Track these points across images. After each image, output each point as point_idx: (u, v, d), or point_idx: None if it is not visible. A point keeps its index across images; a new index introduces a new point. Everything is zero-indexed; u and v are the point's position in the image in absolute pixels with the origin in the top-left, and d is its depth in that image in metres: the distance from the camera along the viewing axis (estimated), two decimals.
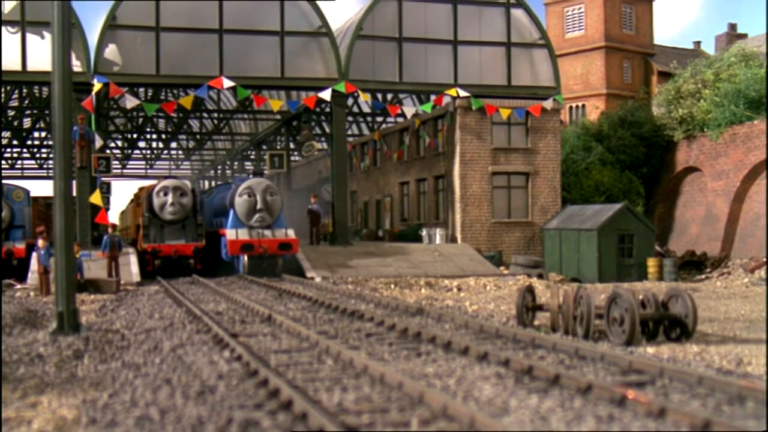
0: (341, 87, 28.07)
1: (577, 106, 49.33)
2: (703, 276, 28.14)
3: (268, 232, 24.90)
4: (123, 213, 52.95)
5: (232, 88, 27.65)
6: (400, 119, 36.07)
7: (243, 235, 24.71)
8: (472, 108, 29.59)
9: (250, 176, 27.37)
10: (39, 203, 32.19)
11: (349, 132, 39.57)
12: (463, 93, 29.40)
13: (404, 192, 36.17)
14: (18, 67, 25.76)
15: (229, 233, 24.88)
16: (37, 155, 48.99)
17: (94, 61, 26.26)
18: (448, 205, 30.83)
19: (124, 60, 26.99)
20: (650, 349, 10.90)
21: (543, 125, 30.57)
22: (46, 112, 34.33)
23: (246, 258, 24.79)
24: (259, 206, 25.03)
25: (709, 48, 56.18)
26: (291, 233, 25.03)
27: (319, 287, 20.78)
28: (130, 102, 27.80)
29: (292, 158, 43.14)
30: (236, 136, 47.37)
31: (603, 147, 35.79)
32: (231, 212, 25.50)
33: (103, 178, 28.49)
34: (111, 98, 29.38)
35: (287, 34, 27.87)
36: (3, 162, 47.45)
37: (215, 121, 45.06)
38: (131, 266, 24.37)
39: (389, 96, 34.60)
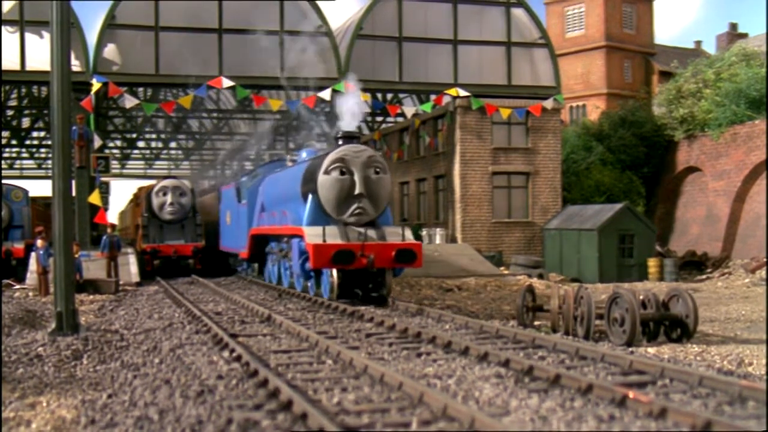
0: (341, 87, 28.05)
1: (577, 106, 49.32)
2: (703, 276, 28.12)
3: (372, 233, 15.70)
4: (122, 213, 52.99)
5: (232, 88, 27.62)
6: (400, 119, 36.04)
7: (334, 236, 15.43)
8: (472, 108, 29.57)
9: (339, 142, 16.30)
10: (38, 203, 32.19)
11: None
12: (463, 93, 29.38)
13: (404, 192, 36.16)
14: (17, 66, 25.73)
15: (310, 233, 15.49)
16: (36, 155, 48.98)
17: (93, 60, 26.23)
18: (448, 205, 30.81)
19: (124, 59, 26.96)
20: (651, 350, 10.87)
21: (543, 125, 30.55)
22: (45, 111, 34.31)
23: (336, 274, 15.38)
24: (358, 190, 15.65)
25: (709, 47, 56.26)
26: (409, 235, 16.02)
27: None
28: (129, 102, 27.76)
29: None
30: (236, 136, 47.41)
31: (603, 147, 35.78)
32: (309, 200, 16.23)
33: (102, 178, 28.46)
34: (110, 98, 29.35)
35: (287, 33, 27.86)
36: (2, 162, 47.45)
37: (215, 121, 45.06)
38: (130, 266, 24.33)
39: (389, 96, 34.58)
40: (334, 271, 15.26)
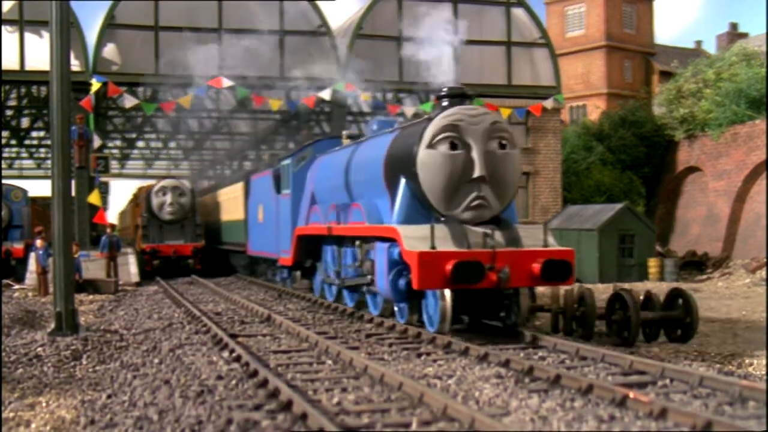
0: (341, 86, 28.04)
1: (577, 106, 49.30)
2: (704, 276, 28.10)
3: (500, 235, 10.91)
4: (122, 213, 52.99)
5: (231, 88, 27.61)
6: (400, 119, 35.97)
7: (445, 240, 10.62)
8: None
9: (445, 102, 11.77)
10: (37, 203, 32.17)
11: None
12: None
13: None
14: (16, 66, 25.71)
15: (409, 235, 10.70)
16: (36, 155, 48.94)
17: (92, 60, 26.22)
18: None
19: (123, 59, 26.95)
20: (651, 350, 10.86)
21: (543, 125, 30.53)
22: (45, 111, 34.29)
23: (449, 296, 10.45)
24: (477, 172, 11.02)
25: (710, 47, 56.24)
26: (552, 241, 11.26)
27: None
28: (129, 101, 27.75)
29: None
30: (236, 136, 47.39)
31: (604, 147, 35.76)
32: (401, 186, 11.61)
33: (101, 178, 28.46)
34: (110, 98, 29.34)
35: (287, 33, 27.84)
36: (1, 162, 47.41)
37: (214, 121, 45.00)
38: (130, 266, 24.33)
39: (389, 95, 34.55)
40: (447, 293, 10.35)
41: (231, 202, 27.40)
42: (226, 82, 27.11)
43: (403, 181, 11.58)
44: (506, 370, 8.54)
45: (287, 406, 6.88)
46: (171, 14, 26.84)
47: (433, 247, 10.33)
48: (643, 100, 41.26)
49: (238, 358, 9.48)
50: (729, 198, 31.25)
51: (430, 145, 11.11)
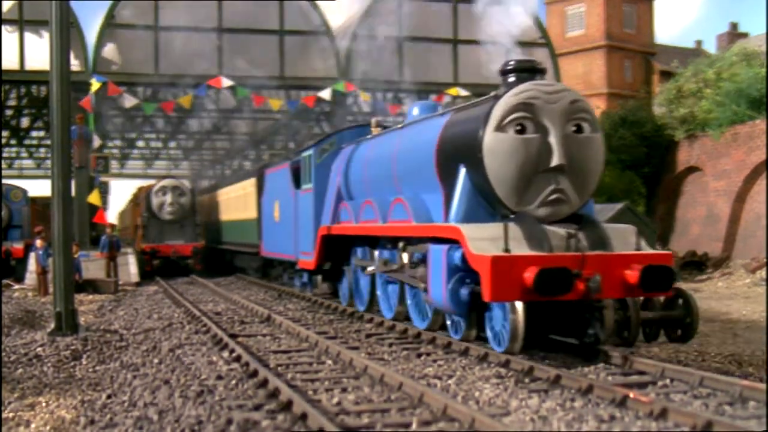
0: (341, 86, 28.03)
1: None
2: (704, 276, 28.10)
3: (583, 236, 9.22)
4: (122, 213, 52.98)
5: (231, 88, 27.60)
6: (400, 119, 35.97)
7: (519, 242, 8.93)
8: None
9: (510, 79, 10.04)
10: (37, 203, 32.17)
11: None
12: (463, 92, 29.34)
13: None
14: (16, 66, 25.70)
15: (475, 235, 9.04)
16: (36, 155, 48.95)
17: (92, 60, 26.20)
18: None
19: (123, 59, 26.94)
20: (651, 350, 10.85)
21: None
22: (45, 111, 34.28)
23: (521, 309, 8.54)
24: (556, 160, 9.35)
25: (710, 47, 56.25)
26: (644, 243, 9.66)
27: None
28: (129, 101, 27.74)
29: None
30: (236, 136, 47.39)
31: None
32: (461, 177, 10.00)
33: (101, 178, 28.45)
34: (109, 97, 29.34)
35: (287, 33, 27.83)
36: (1, 161, 47.42)
37: (215, 121, 45.00)
38: (130, 266, 24.33)
39: (389, 95, 34.55)
40: (519, 305, 8.50)
41: (240, 200, 26.14)
42: (226, 82, 27.10)
43: (462, 171, 9.88)
44: (506, 370, 8.54)
45: (287, 406, 6.88)
46: (171, 14, 26.82)
47: (507, 251, 8.58)
48: (643, 99, 41.25)
49: (238, 358, 9.48)
50: (729, 198, 31.24)
51: (499, 128, 9.36)
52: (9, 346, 10.80)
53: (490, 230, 9.02)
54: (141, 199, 29.87)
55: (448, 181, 10.26)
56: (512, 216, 9.37)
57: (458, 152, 10.06)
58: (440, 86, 29.63)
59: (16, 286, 21.89)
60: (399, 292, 12.12)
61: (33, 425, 6.79)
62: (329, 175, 15.44)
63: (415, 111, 12.98)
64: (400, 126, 13.00)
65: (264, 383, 7.89)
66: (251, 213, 23.69)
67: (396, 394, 7.40)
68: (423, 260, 10.45)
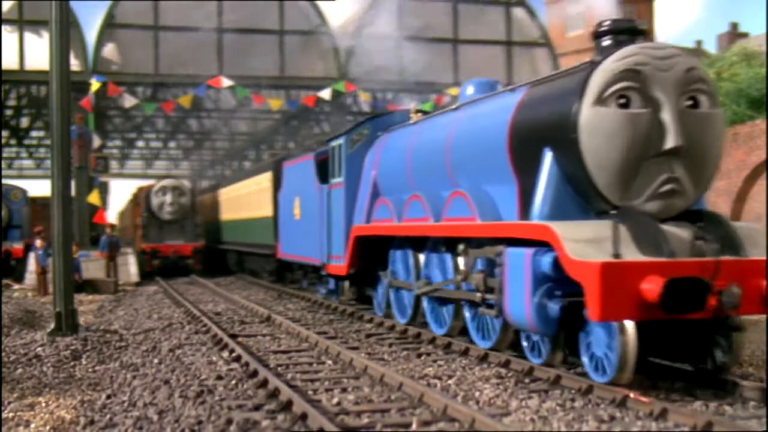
0: (341, 86, 28.03)
1: None
2: None
3: (711, 238, 7.34)
4: (122, 213, 52.98)
5: (231, 87, 27.60)
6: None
7: (629, 244, 7.06)
8: None
9: (604, 42, 8.09)
10: (37, 203, 32.18)
11: None
12: None
13: None
14: (16, 66, 25.70)
15: (573, 237, 7.07)
16: (35, 155, 48.94)
17: (92, 60, 26.20)
18: None
19: (123, 59, 26.94)
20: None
21: None
22: (44, 111, 34.29)
23: (632, 329, 6.90)
24: (671, 141, 7.41)
25: (710, 47, 56.21)
26: (764, 241, 7.56)
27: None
28: (129, 101, 27.74)
29: None
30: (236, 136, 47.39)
31: None
32: (548, 163, 7.98)
33: (101, 178, 28.46)
34: (109, 97, 29.34)
35: (287, 33, 27.83)
36: (1, 161, 47.39)
37: (214, 121, 44.99)
38: (129, 266, 24.34)
39: (389, 95, 34.53)
40: (630, 324, 6.94)
41: (253, 196, 23.92)
42: (226, 82, 27.10)
43: (549, 155, 7.97)
44: (506, 371, 8.53)
45: (287, 406, 6.87)
46: (170, 13, 26.82)
47: (617, 256, 6.84)
48: None
49: (237, 358, 9.47)
50: (729, 198, 31.25)
51: (600, 101, 7.55)
52: (9, 346, 10.80)
53: (591, 230, 7.21)
54: (141, 199, 29.87)
55: (525, 170, 8.37)
56: (613, 212, 7.54)
57: (542, 133, 8.14)
58: (440, 86, 29.61)
59: (16, 286, 21.90)
60: (455, 305, 10.31)
61: (33, 425, 6.79)
62: (362, 168, 13.48)
63: (470, 90, 10.96)
64: (452, 107, 11.13)
65: (264, 383, 7.88)
66: (265, 210, 21.65)
67: (396, 394, 7.40)
68: (490, 267, 8.87)
